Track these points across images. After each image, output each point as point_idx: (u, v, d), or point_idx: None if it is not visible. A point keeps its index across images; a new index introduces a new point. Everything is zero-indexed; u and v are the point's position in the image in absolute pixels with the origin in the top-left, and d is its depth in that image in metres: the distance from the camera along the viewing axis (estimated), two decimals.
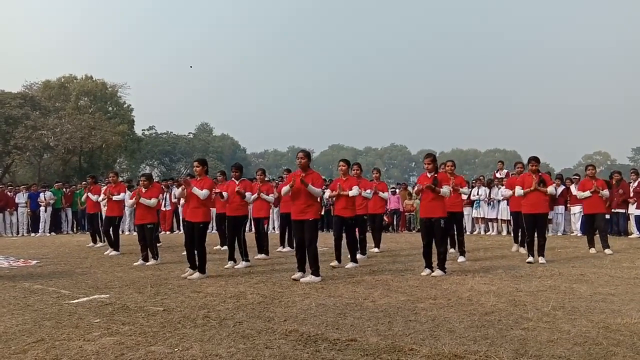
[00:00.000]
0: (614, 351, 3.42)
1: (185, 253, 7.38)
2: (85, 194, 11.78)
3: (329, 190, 8.48)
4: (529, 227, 8.27)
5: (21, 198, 16.69)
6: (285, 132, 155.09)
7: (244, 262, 8.18)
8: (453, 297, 5.35)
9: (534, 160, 8.35)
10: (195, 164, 7.58)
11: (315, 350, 3.54)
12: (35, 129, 29.05)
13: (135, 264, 8.63)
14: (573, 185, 13.94)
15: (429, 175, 7.06)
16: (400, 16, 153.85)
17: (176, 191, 7.62)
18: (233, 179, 8.57)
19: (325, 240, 9.14)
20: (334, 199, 8.18)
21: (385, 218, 14.06)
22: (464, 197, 9.81)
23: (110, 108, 40.66)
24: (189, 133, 59.92)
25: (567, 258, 8.64)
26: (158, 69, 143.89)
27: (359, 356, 3.40)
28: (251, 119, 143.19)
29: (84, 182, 19.19)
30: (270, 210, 9.94)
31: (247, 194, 8.33)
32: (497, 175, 15.14)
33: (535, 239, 8.18)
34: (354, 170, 8.57)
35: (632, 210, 12.91)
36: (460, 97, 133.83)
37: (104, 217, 11.54)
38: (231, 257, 8.27)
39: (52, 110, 33.50)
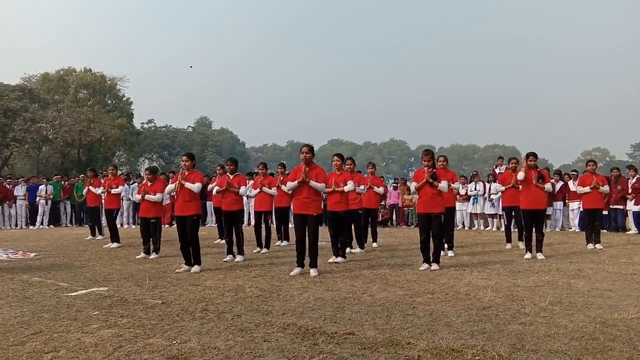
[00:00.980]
0: (610, 346, 3.43)
1: (181, 247, 7.35)
2: (87, 188, 11.78)
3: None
4: (528, 223, 8.28)
5: (20, 191, 16.68)
6: (285, 127, 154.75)
7: (239, 257, 8.18)
8: (451, 291, 5.37)
9: (532, 155, 8.32)
10: (184, 158, 7.54)
11: (313, 344, 3.55)
12: (34, 121, 28.97)
13: (137, 257, 8.64)
14: (571, 181, 13.95)
15: (427, 172, 7.06)
16: (401, 14, 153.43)
17: (169, 187, 7.58)
18: (228, 172, 8.56)
19: (323, 235, 9.14)
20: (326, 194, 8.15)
21: (380, 213, 14.11)
22: (455, 192, 9.84)
23: (109, 101, 40.55)
24: (188, 127, 59.87)
25: (565, 254, 8.66)
26: (158, 62, 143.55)
27: (356, 350, 3.41)
28: (251, 113, 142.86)
29: (82, 175, 19.20)
30: (273, 204, 9.90)
31: (242, 188, 8.33)
32: (497, 170, 15.15)
33: (534, 234, 8.19)
34: (347, 165, 8.57)
35: (630, 206, 12.93)
36: (459, 93, 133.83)
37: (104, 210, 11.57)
38: (229, 252, 8.28)
39: (50, 102, 33.40)
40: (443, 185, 7.03)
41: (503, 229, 13.83)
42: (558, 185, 13.99)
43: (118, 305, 4.85)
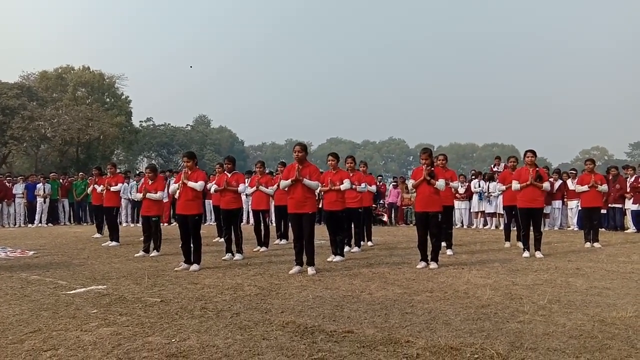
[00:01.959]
0: (608, 344, 3.44)
1: (181, 246, 7.35)
2: (92, 186, 11.78)
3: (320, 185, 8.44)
4: (524, 221, 8.29)
5: (18, 189, 16.64)
6: (284, 125, 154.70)
7: (238, 255, 8.18)
8: (449, 290, 5.37)
9: (531, 152, 8.31)
10: (185, 159, 7.51)
11: (312, 342, 3.56)
12: (32, 119, 28.93)
13: (136, 255, 8.65)
14: (570, 179, 13.98)
15: (425, 169, 7.06)
16: (400, 11, 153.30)
17: (172, 187, 7.56)
18: (225, 171, 8.55)
19: (322, 233, 9.15)
20: (322, 193, 8.14)
21: (375, 211, 14.13)
22: (454, 191, 9.85)
23: (107, 99, 40.51)
24: (187, 125, 59.83)
25: (563, 252, 8.68)
26: (156, 61, 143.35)
27: (355, 348, 3.42)
28: (249, 111, 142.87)
29: (80, 173, 19.19)
30: (271, 203, 9.91)
31: (241, 185, 8.32)
32: (495, 169, 15.19)
33: (532, 233, 8.20)
34: (348, 163, 8.64)
35: (629, 205, 12.96)
36: (458, 92, 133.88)
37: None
38: (228, 250, 8.27)
39: (49, 101, 33.37)
40: (440, 183, 7.03)
41: (502, 227, 13.97)
42: (557, 184, 14.01)
43: (117, 304, 4.84)
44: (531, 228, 8.22)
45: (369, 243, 9.92)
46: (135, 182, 16.03)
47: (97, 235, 12.07)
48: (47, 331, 3.90)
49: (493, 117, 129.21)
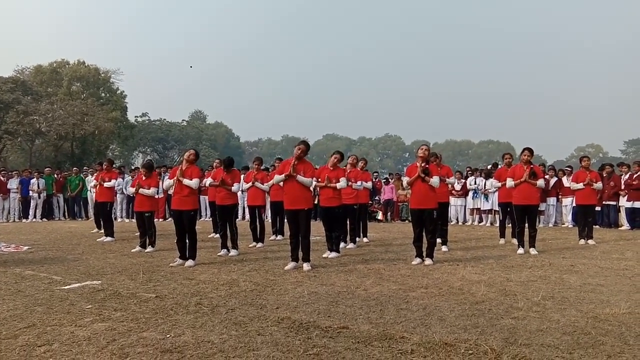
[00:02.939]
0: (602, 340, 3.46)
1: (177, 241, 7.33)
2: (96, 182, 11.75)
3: (315, 179, 8.42)
4: (519, 218, 8.31)
5: (12, 184, 16.56)
6: (280, 121, 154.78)
7: (233, 251, 8.17)
8: (444, 286, 5.39)
9: (527, 150, 8.32)
10: (192, 155, 7.46)
11: (307, 338, 3.56)
12: (27, 114, 28.73)
13: (132, 250, 8.63)
14: (565, 177, 14.03)
15: (419, 165, 7.05)
16: (396, 8, 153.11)
17: (167, 182, 7.52)
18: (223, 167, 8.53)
19: (318, 229, 9.15)
20: (318, 189, 8.12)
21: (370, 208, 14.14)
22: (451, 187, 9.87)
23: (103, 94, 40.32)
24: (183, 120, 59.62)
25: (557, 249, 8.72)
26: (152, 56, 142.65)
27: (350, 343, 3.42)
28: (245, 107, 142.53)
29: (75, 168, 19.10)
30: (267, 199, 9.90)
31: (235, 185, 8.30)
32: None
33: (527, 230, 8.23)
34: (359, 164, 8.72)
35: (623, 202, 13.03)
36: (454, 88, 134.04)
37: (93, 202, 11.53)
38: (224, 246, 8.26)
39: (43, 95, 33.13)
40: (435, 180, 7.02)
41: (497, 224, 14.01)
42: (552, 181, 14.06)
43: (112, 299, 4.83)
44: (526, 225, 8.25)
45: (365, 239, 9.94)
46: (130, 177, 15.98)
47: (102, 232, 12.03)
48: (42, 326, 3.88)
49: (489, 114, 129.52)
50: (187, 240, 7.14)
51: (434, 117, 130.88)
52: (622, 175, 13.34)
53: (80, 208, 17.59)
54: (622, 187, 13.04)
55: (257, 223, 9.48)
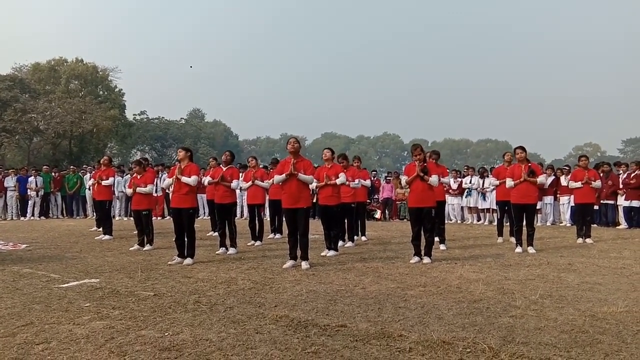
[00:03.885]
0: (599, 339, 3.47)
1: (175, 239, 7.33)
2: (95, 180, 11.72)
3: (315, 180, 8.44)
4: (517, 217, 8.33)
5: (10, 182, 16.52)
6: (278, 120, 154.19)
7: (232, 250, 8.17)
8: (442, 284, 5.40)
9: (520, 148, 8.32)
10: (181, 152, 7.44)
11: (305, 336, 3.56)
12: (25, 112, 28.68)
13: (131, 248, 8.62)
14: (563, 176, 14.04)
15: (417, 165, 7.06)
16: (393, 8, 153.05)
17: (166, 182, 7.51)
18: (222, 164, 8.52)
19: (316, 228, 9.15)
20: (317, 188, 8.13)
21: (369, 207, 14.15)
22: (446, 186, 9.90)
23: (101, 92, 40.22)
24: (181, 119, 59.61)
25: (555, 248, 8.73)
26: (150, 54, 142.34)
27: (348, 342, 3.43)
28: (244, 105, 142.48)
29: (72, 167, 19.05)
30: (266, 197, 9.90)
31: (234, 181, 8.30)
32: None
33: (524, 228, 8.24)
34: (354, 163, 8.70)
35: (621, 201, 13.05)
36: (453, 87, 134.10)
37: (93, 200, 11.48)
38: (222, 244, 8.26)
39: (41, 93, 33.10)
40: (433, 179, 7.03)
41: (495, 222, 14.02)
42: (550, 180, 14.07)
43: (110, 297, 4.83)
44: (524, 223, 8.26)
45: (363, 238, 9.94)
46: (129, 175, 15.94)
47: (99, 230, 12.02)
48: (40, 324, 3.88)
49: (487, 113, 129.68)
50: (185, 239, 7.14)
51: (433, 116, 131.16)
52: (620, 174, 13.36)
53: (79, 206, 17.55)
54: (621, 186, 13.05)
55: (256, 221, 9.48)
